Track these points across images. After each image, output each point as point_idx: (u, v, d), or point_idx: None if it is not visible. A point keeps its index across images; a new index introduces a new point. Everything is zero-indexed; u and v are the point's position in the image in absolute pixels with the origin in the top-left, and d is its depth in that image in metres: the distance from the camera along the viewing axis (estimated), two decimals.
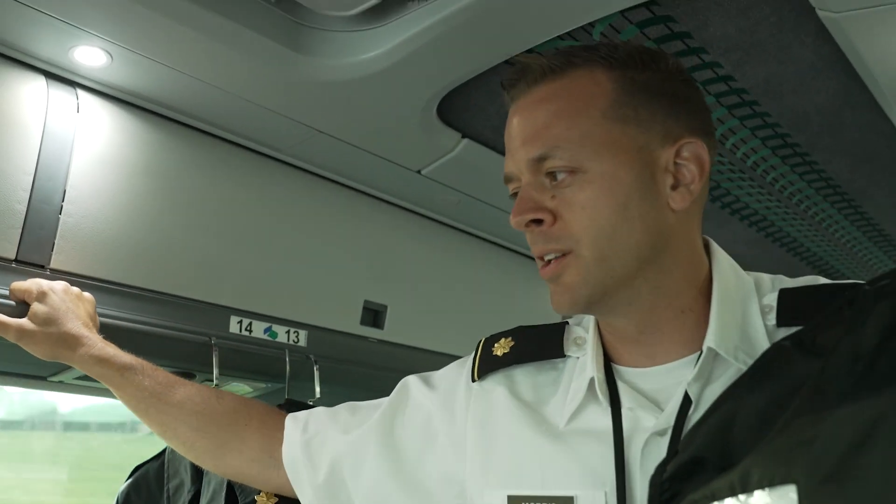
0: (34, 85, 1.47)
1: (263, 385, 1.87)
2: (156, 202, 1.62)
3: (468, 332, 2.29)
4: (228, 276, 1.75)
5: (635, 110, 1.04)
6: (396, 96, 1.61)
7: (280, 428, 1.39)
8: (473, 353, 1.28)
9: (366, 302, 2.02)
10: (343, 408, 1.40)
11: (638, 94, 1.04)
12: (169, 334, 1.60)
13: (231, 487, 1.54)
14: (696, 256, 1.09)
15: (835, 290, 1.03)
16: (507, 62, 1.55)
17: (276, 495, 1.46)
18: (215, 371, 1.63)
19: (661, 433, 1.02)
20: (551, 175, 1.04)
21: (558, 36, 1.47)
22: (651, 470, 0.98)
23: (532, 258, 2.56)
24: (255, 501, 1.48)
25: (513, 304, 2.53)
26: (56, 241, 1.48)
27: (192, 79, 1.53)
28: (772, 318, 1.05)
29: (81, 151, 1.51)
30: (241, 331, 1.73)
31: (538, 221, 1.04)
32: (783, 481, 0.74)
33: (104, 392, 1.77)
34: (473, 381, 1.24)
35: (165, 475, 1.75)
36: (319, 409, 1.41)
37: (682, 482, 0.88)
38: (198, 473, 1.66)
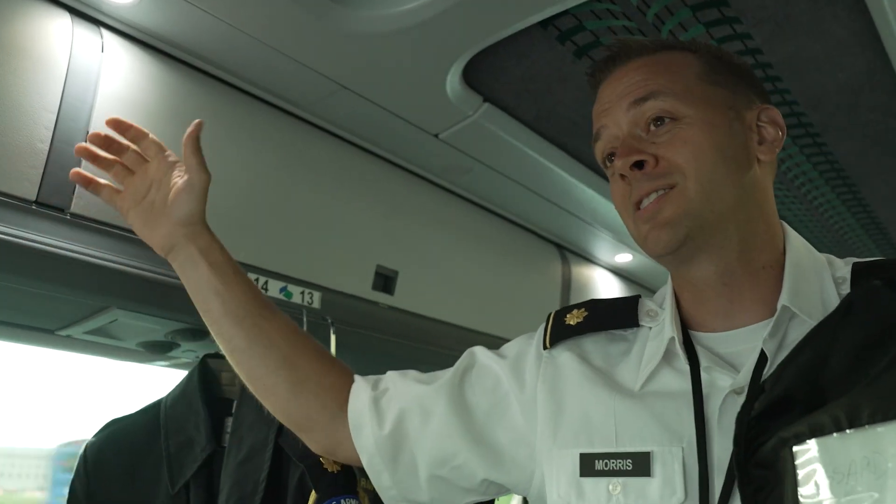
0: (59, 22, 1.40)
1: None
2: (177, 150, 1.55)
3: (475, 305, 2.30)
4: (245, 233, 1.70)
5: (725, 78, 1.14)
6: (425, 53, 1.59)
7: (352, 382, 1.36)
8: (544, 324, 1.29)
9: (378, 267, 1.98)
10: (412, 371, 1.39)
11: (723, 68, 1.15)
12: None
13: (280, 448, 1.46)
14: (774, 218, 1.14)
15: None
16: (541, 24, 1.54)
17: (337, 463, 1.41)
18: None
19: (738, 391, 1.03)
20: (648, 126, 1.11)
21: None
22: (729, 427, 0.99)
23: (538, 234, 2.59)
24: (321, 462, 1.41)
25: (517, 280, 2.53)
26: (77, 185, 1.41)
27: (220, 22, 1.47)
28: (845, 288, 1.07)
29: (105, 92, 1.45)
30: None
31: (639, 165, 1.09)
32: None
33: (110, 351, 1.71)
34: (545, 348, 1.25)
35: (163, 432, 1.61)
36: (389, 372, 1.38)
37: (769, 420, 0.88)
38: (215, 431, 1.57)
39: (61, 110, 1.38)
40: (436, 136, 1.92)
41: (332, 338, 1.76)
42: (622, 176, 1.10)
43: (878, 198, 2.43)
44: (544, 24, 1.56)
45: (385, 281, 2.02)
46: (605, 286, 2.97)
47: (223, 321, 1.34)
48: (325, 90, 1.70)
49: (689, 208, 1.06)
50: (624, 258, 2.94)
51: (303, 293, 1.78)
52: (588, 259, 2.88)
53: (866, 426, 0.77)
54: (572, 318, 1.25)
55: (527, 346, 1.30)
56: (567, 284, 2.68)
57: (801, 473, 0.81)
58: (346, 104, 1.76)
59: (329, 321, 1.78)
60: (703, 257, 1.10)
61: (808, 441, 0.81)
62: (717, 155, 1.07)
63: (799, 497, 0.81)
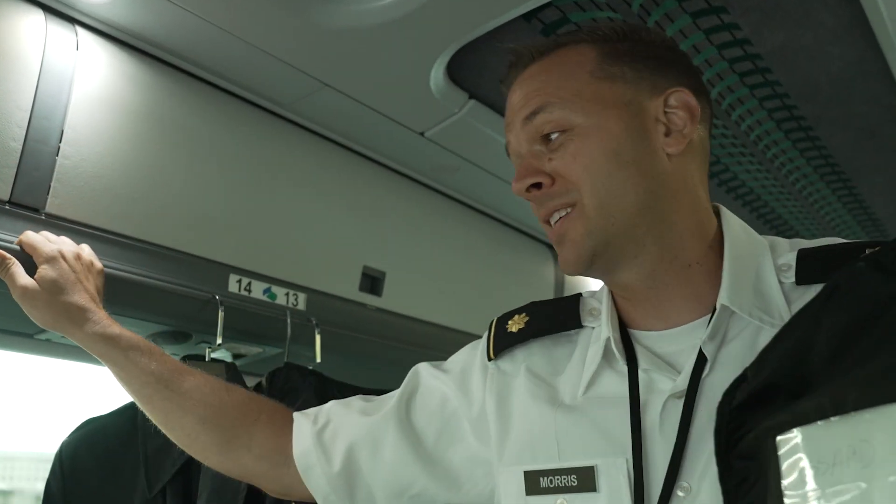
0: (31, 19, 1.38)
1: (259, 349, 1.78)
2: (156, 150, 1.54)
3: (465, 306, 2.27)
4: (227, 233, 1.67)
5: (622, 70, 1.07)
6: (407, 48, 1.56)
7: (289, 424, 1.31)
8: (486, 333, 1.26)
9: (364, 267, 1.95)
10: (355, 399, 1.36)
11: (623, 57, 1.08)
12: (169, 288, 1.52)
13: None
14: (700, 208, 1.09)
15: (854, 249, 1.01)
16: (524, 17, 1.52)
17: None
18: (220, 330, 1.53)
19: (678, 395, 1.00)
20: (546, 139, 1.07)
21: None
22: (671, 433, 0.99)
23: (529, 235, 2.56)
24: None
25: (508, 280, 2.50)
26: (52, 185, 1.39)
27: (198, 19, 1.44)
28: (790, 276, 1.04)
29: (80, 91, 1.42)
30: (240, 290, 1.65)
31: (538, 185, 1.07)
32: (887, 400, 0.70)
33: (88, 357, 1.68)
34: (490, 360, 1.22)
35: (140, 434, 1.58)
36: (330, 402, 1.35)
37: (751, 410, 0.84)
38: None
39: (35, 109, 1.36)
40: (421, 134, 1.89)
41: (318, 340, 1.73)
42: None
43: (874, 193, 2.39)
44: (528, 16, 1.53)
45: (372, 282, 1.99)
46: (598, 287, 2.93)
47: (135, 398, 1.33)
48: (307, 88, 1.68)
49: (590, 227, 1.04)
50: None
51: (287, 294, 1.75)
52: None
53: (852, 413, 0.73)
54: (514, 325, 1.22)
55: (471, 357, 1.26)
56: (560, 286, 2.64)
57: (784, 464, 0.77)
58: (329, 102, 1.73)
59: (314, 323, 1.75)
60: (620, 267, 1.07)
61: (791, 430, 0.78)
62: (611, 164, 1.03)
63: (782, 489, 0.77)
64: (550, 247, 2.67)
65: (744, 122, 1.94)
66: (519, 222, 2.52)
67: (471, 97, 1.80)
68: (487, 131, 1.87)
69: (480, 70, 1.71)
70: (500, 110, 1.86)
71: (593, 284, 2.91)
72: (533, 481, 1.08)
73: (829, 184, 2.32)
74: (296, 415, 1.32)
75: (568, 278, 2.68)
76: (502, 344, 1.21)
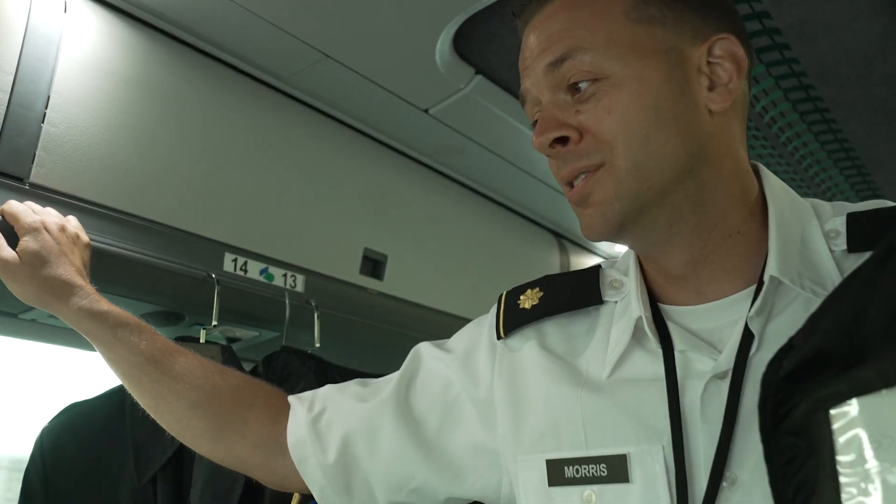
0: None
1: (255, 333, 1.71)
2: (147, 120, 1.46)
3: (468, 293, 2.20)
4: (222, 210, 1.60)
5: (660, 11, 0.95)
6: (412, 17, 1.49)
7: (285, 410, 1.22)
8: (495, 308, 1.15)
9: (366, 250, 1.88)
10: (352, 383, 1.26)
11: None
12: (160, 266, 1.44)
13: None
14: (741, 171, 0.98)
15: None
16: None
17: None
18: (215, 310, 1.46)
19: (721, 376, 0.91)
20: (573, 88, 0.95)
21: None
22: (714, 418, 0.89)
23: (534, 222, 2.49)
24: None
25: (512, 267, 2.43)
26: (37, 153, 1.31)
27: None
28: (840, 243, 0.94)
29: (68, 55, 1.35)
30: (235, 269, 1.57)
31: (563, 140, 0.94)
32: None
33: (78, 340, 1.61)
34: (499, 338, 1.11)
35: (129, 420, 1.50)
36: (326, 386, 1.26)
37: (799, 381, 0.76)
38: None
39: (19, 72, 1.29)
40: (425, 111, 1.82)
41: (317, 324, 1.66)
42: None
43: (889, 182, 2.33)
44: None
45: (374, 265, 1.92)
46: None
47: (123, 380, 1.23)
48: (307, 59, 1.60)
49: (620, 189, 0.92)
50: (624, 248, 2.83)
51: (285, 276, 1.67)
52: (587, 248, 2.78)
53: None
54: (527, 301, 1.10)
55: (477, 335, 1.16)
56: None
57: (840, 439, 0.70)
58: (329, 75, 1.66)
59: (314, 305, 1.67)
60: (652, 237, 0.97)
61: (848, 402, 0.70)
62: (650, 120, 0.91)
63: (837, 466, 0.70)
64: (556, 234, 2.61)
65: (758, 102, 1.87)
66: (524, 208, 2.45)
67: (478, 72, 1.72)
68: (495, 109, 1.80)
69: (489, 43, 1.63)
70: (508, 87, 1.78)
71: None
72: (556, 471, 0.99)
73: (842, 170, 2.26)
74: (291, 399, 1.23)
75: (573, 269, 2.61)
76: (514, 322, 1.10)
